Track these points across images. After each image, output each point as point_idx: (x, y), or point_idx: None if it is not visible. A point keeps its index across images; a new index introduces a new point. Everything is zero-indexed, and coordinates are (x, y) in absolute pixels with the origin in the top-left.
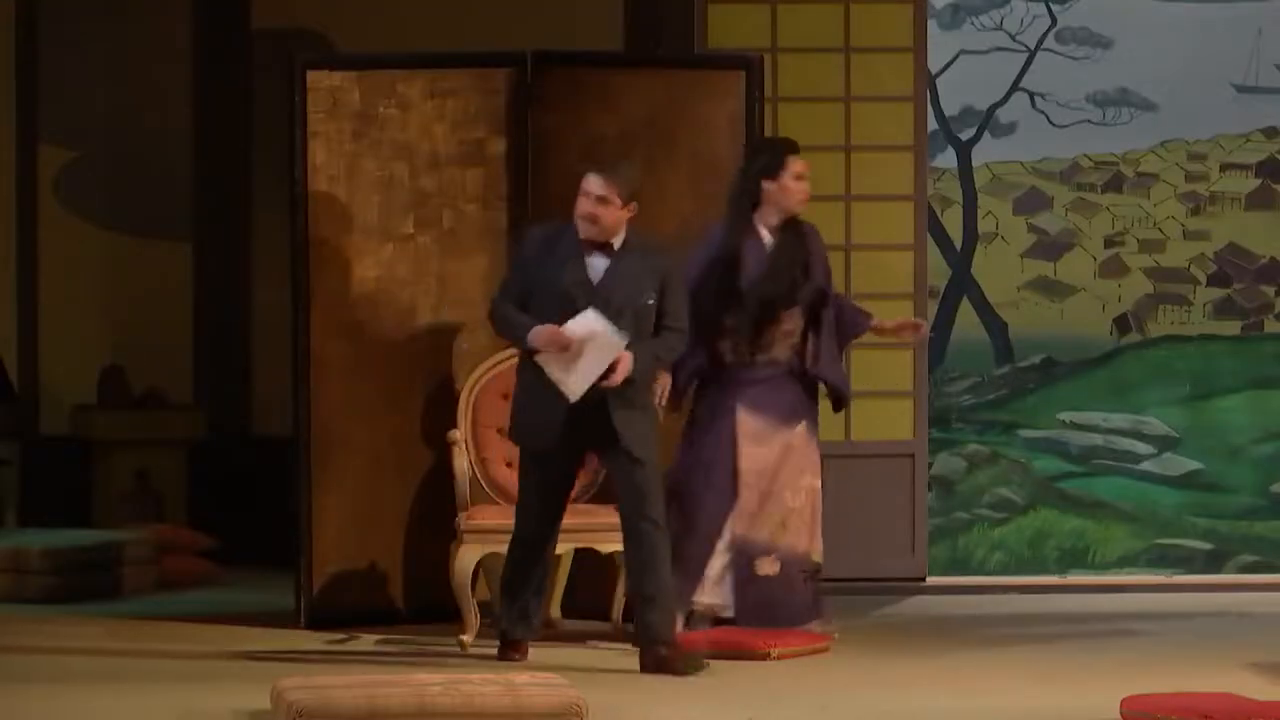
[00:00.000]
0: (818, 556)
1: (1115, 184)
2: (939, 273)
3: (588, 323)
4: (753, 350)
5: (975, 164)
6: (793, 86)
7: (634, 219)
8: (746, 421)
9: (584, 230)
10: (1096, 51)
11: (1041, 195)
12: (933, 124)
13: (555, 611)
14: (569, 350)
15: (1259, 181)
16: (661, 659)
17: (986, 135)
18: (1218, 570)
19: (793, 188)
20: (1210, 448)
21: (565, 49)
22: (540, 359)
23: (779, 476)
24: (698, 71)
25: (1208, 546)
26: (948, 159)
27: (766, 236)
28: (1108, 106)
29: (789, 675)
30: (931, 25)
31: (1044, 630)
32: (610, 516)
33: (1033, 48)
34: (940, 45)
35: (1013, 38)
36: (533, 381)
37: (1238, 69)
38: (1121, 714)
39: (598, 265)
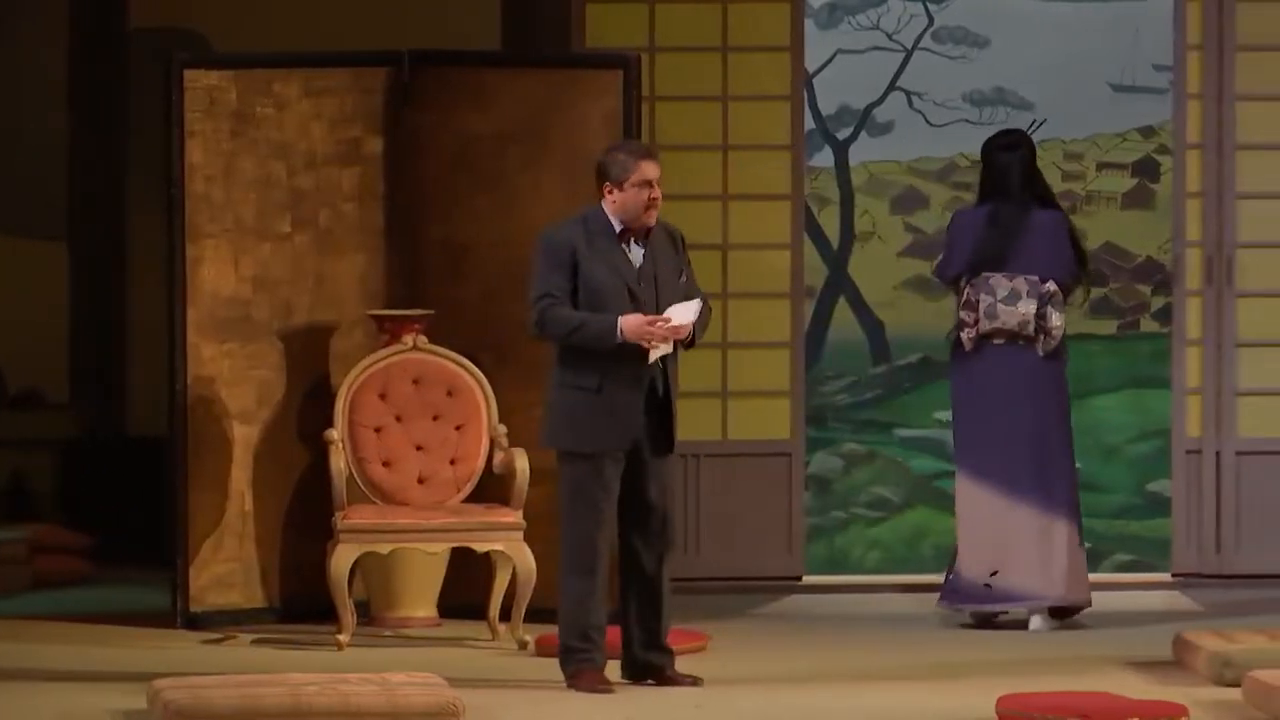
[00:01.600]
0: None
1: None
2: (816, 272)
3: (685, 311)
4: None
5: (852, 163)
6: (670, 85)
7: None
8: None
9: (648, 219)
10: (973, 51)
11: (918, 194)
12: (810, 123)
13: (431, 611)
14: (680, 332)
15: (1135, 181)
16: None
17: (863, 134)
18: (1094, 569)
19: None
20: (1086, 447)
21: (442, 48)
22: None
23: None
24: (575, 71)
25: (1085, 546)
26: (825, 158)
27: None
28: (985, 106)
29: None
30: (809, 25)
31: (920, 629)
32: (486, 515)
33: (910, 47)
34: (817, 45)
35: (890, 37)
36: (599, 379)
37: (1115, 69)
38: (997, 713)
39: (636, 252)
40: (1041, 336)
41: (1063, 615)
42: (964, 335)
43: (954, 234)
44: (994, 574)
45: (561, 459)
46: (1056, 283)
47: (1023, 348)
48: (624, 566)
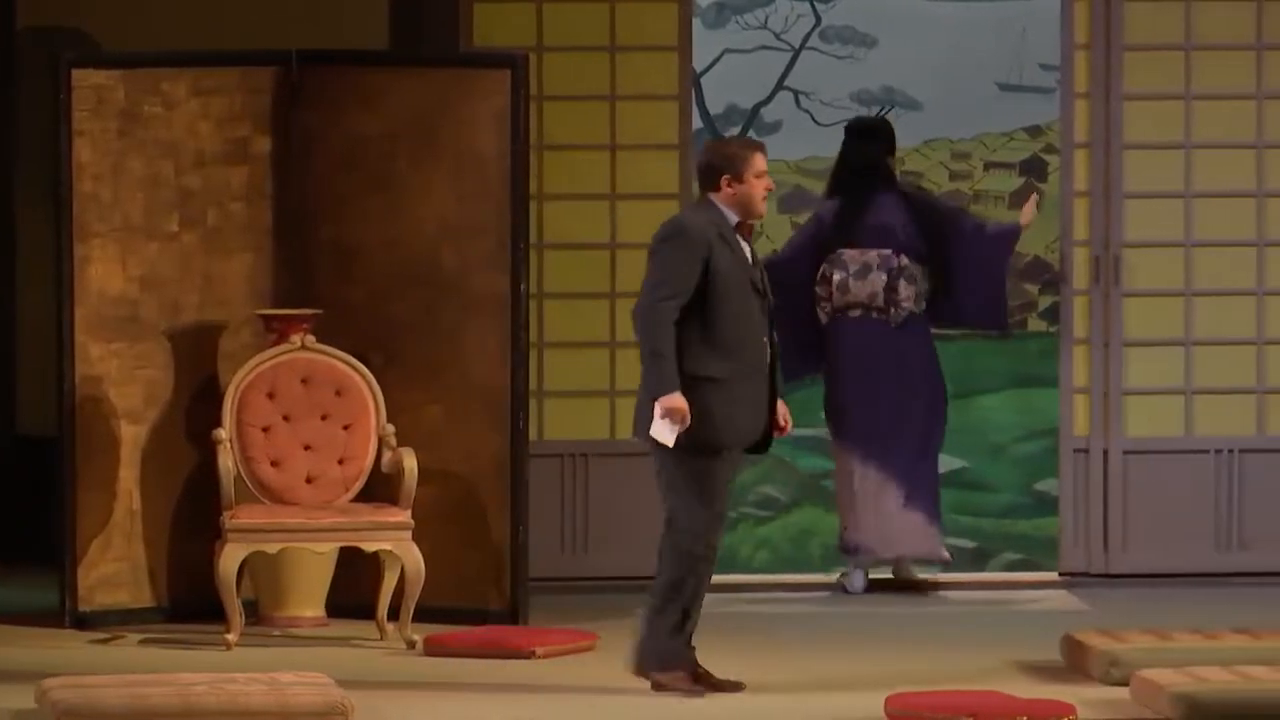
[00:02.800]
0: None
1: None
2: None
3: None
4: None
5: None
6: (558, 85)
7: None
8: None
9: (762, 210)
10: (861, 51)
11: (806, 194)
12: (698, 123)
13: (319, 611)
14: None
15: (1022, 180)
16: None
17: (751, 134)
18: (981, 568)
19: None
20: (974, 446)
21: (330, 48)
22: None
23: None
24: (463, 70)
25: (971, 544)
26: None
27: None
28: (872, 105)
29: (554, 674)
30: (696, 24)
31: (808, 628)
32: (374, 515)
33: (797, 47)
34: (705, 44)
35: (777, 36)
36: (731, 379)
37: (1002, 68)
38: (886, 713)
39: (744, 245)
40: (891, 309)
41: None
42: (820, 311)
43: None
44: (845, 529)
45: (680, 454)
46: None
47: (876, 319)
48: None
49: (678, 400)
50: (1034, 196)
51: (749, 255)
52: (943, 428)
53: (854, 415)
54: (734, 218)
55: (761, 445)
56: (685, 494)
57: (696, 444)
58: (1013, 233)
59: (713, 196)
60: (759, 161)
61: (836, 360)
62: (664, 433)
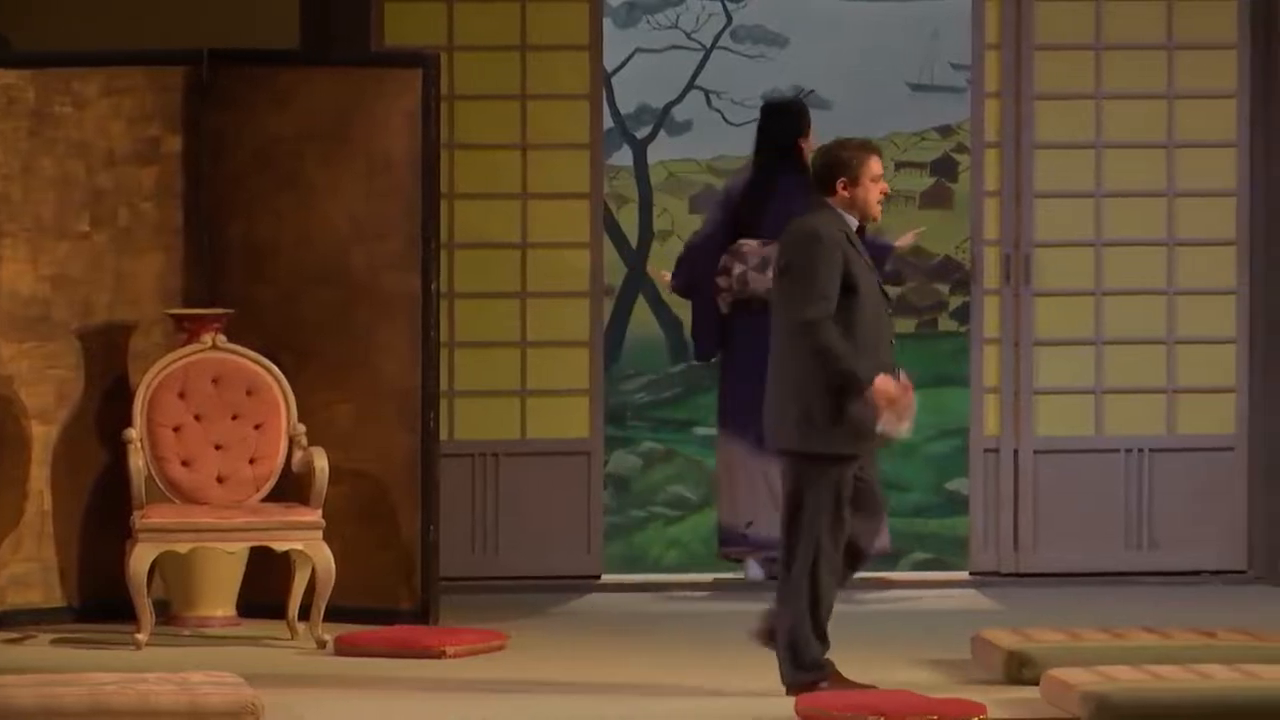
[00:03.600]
0: None
1: None
2: (615, 270)
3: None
4: None
5: (651, 162)
6: (469, 84)
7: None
8: None
9: (878, 213)
10: (772, 50)
11: (717, 193)
12: (609, 122)
13: (230, 610)
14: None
15: (934, 180)
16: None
17: (662, 133)
18: (892, 567)
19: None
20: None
21: (241, 48)
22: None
23: None
24: (374, 70)
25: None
26: (624, 157)
27: None
28: None
29: (465, 673)
30: (607, 24)
31: (720, 627)
32: (285, 514)
33: (708, 46)
34: (616, 44)
35: (688, 36)
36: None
37: (913, 68)
38: (797, 711)
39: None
40: None
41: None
42: (720, 301)
43: (714, 205)
44: (749, 524)
45: (820, 461)
46: None
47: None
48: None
49: (888, 384)
50: (918, 231)
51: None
52: None
53: (756, 409)
54: (853, 222)
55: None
56: (822, 498)
57: (838, 448)
58: (885, 248)
59: (829, 200)
60: (875, 165)
61: (735, 352)
62: (894, 423)
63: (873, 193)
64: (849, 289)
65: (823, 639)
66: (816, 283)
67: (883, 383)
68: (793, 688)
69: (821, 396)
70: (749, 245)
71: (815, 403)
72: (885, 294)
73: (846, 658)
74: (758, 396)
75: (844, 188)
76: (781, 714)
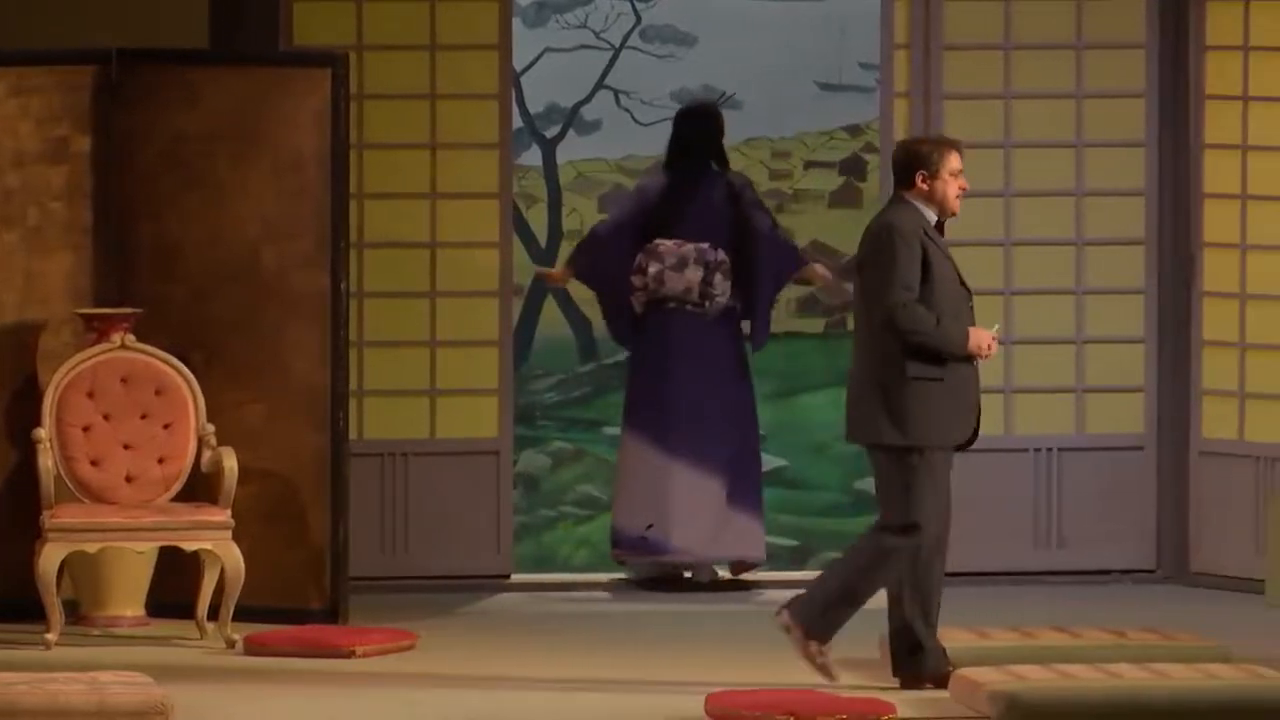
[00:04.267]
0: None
1: None
2: (524, 270)
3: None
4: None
5: (560, 161)
6: (378, 83)
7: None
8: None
9: (957, 208)
10: (681, 50)
11: (626, 193)
12: (518, 121)
13: (139, 610)
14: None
15: (843, 179)
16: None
17: (571, 133)
18: (802, 566)
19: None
20: (795, 444)
21: (150, 47)
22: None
23: None
24: (283, 69)
25: (793, 543)
26: (533, 157)
27: None
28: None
29: (375, 672)
30: (517, 23)
31: (630, 627)
32: (194, 514)
33: (617, 46)
34: (526, 43)
35: (597, 35)
36: (950, 376)
37: (822, 67)
38: (707, 711)
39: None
40: (706, 302)
41: (733, 570)
42: (635, 300)
43: (627, 197)
44: (649, 527)
45: (910, 454)
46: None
47: (690, 312)
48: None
49: (980, 335)
50: (832, 274)
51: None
52: (758, 424)
53: (666, 409)
54: (932, 216)
55: (972, 439)
56: (915, 493)
57: (920, 441)
58: (798, 259)
59: (907, 194)
60: (954, 160)
61: (649, 351)
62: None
63: (951, 187)
64: (928, 285)
65: (933, 631)
66: (897, 272)
67: (976, 337)
68: (906, 681)
69: (908, 388)
70: (665, 245)
71: (902, 396)
72: (967, 288)
73: (757, 656)
74: (664, 395)
75: (923, 181)
76: (692, 713)
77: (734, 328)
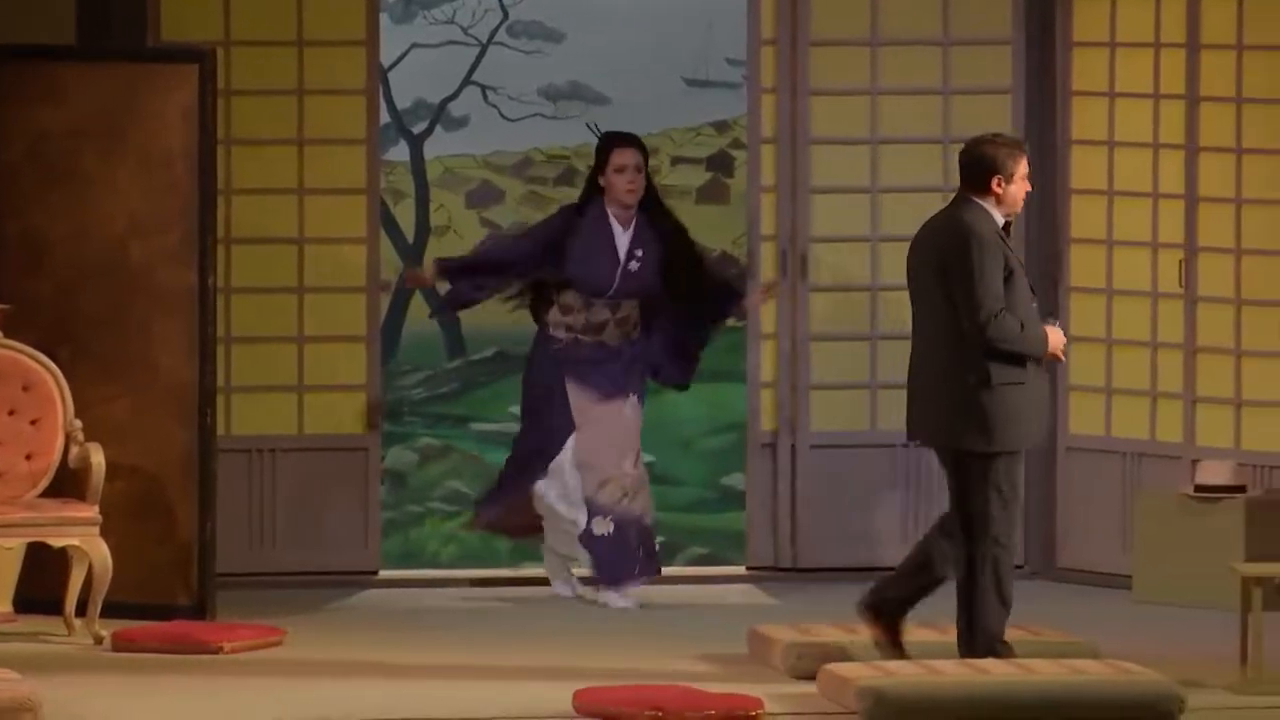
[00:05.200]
0: (649, 519)
1: (567, 178)
2: (392, 266)
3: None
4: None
5: (428, 157)
6: (246, 79)
7: None
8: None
9: (1019, 211)
10: (548, 45)
11: (494, 188)
12: (385, 117)
13: (6, 606)
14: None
15: (710, 175)
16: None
17: (439, 129)
18: (668, 563)
19: (614, 181)
20: (662, 440)
21: (16, 43)
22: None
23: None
24: (150, 65)
25: (659, 539)
26: (400, 152)
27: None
28: (559, 100)
29: (242, 668)
30: (384, 19)
31: (498, 623)
32: (62, 510)
33: (485, 41)
34: (393, 39)
35: (465, 31)
36: (1029, 380)
37: (689, 63)
38: (575, 707)
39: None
40: (621, 336)
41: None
42: (549, 328)
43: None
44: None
45: (992, 458)
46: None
47: (603, 343)
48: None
49: (1057, 333)
50: (769, 291)
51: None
52: None
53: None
54: (1000, 218)
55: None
56: (990, 496)
57: (1006, 446)
58: (736, 300)
59: (975, 197)
60: (1024, 164)
61: (557, 383)
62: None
63: (1022, 190)
64: (1009, 289)
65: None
66: (985, 281)
67: (1054, 337)
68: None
69: (994, 394)
70: (575, 302)
71: (988, 402)
72: (1033, 289)
73: (624, 652)
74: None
75: (998, 185)
76: (560, 708)
77: (640, 350)
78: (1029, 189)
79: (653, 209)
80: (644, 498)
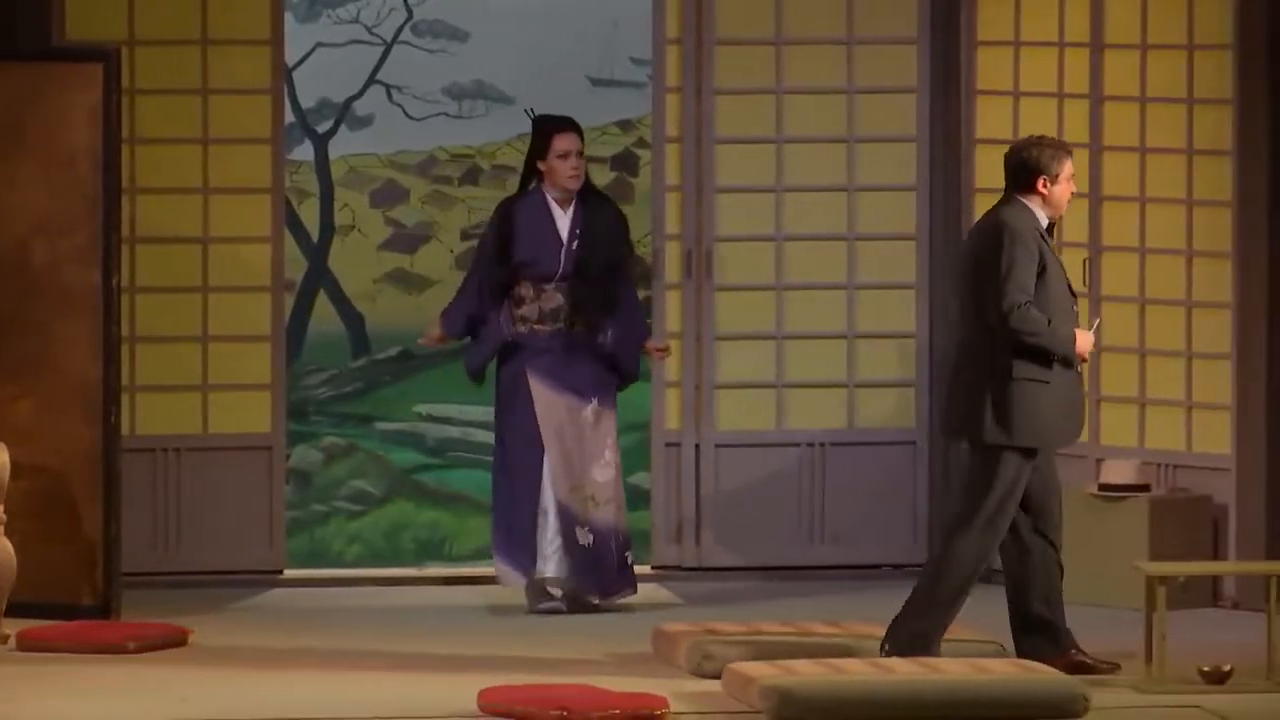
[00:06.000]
0: (625, 528)
1: (472, 177)
2: (296, 265)
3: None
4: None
5: (332, 156)
6: (150, 79)
7: None
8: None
9: (1064, 211)
10: (453, 44)
11: (398, 188)
12: (290, 116)
13: None
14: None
15: (615, 175)
16: (1084, 663)
17: (343, 128)
18: None
19: (557, 166)
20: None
21: None
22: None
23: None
24: (55, 64)
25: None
26: (305, 151)
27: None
28: (464, 99)
29: (148, 667)
30: (289, 18)
31: (403, 622)
32: None
33: (389, 41)
34: (297, 38)
35: (369, 30)
36: (1059, 380)
37: (594, 62)
38: (480, 706)
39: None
40: (575, 324)
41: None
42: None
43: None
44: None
45: (1004, 453)
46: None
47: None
48: (1031, 554)
49: (1085, 336)
50: (664, 349)
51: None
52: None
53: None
54: (1044, 219)
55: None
56: (1000, 492)
57: (1022, 441)
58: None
59: (1021, 197)
60: (1070, 165)
61: (520, 376)
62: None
63: (1067, 191)
64: (1042, 288)
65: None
66: (1014, 274)
67: (1082, 339)
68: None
69: (1014, 389)
70: (527, 293)
71: (1009, 395)
72: (1073, 291)
73: (529, 651)
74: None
75: (1044, 186)
76: (466, 708)
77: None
78: (1074, 190)
79: (590, 193)
80: (616, 510)
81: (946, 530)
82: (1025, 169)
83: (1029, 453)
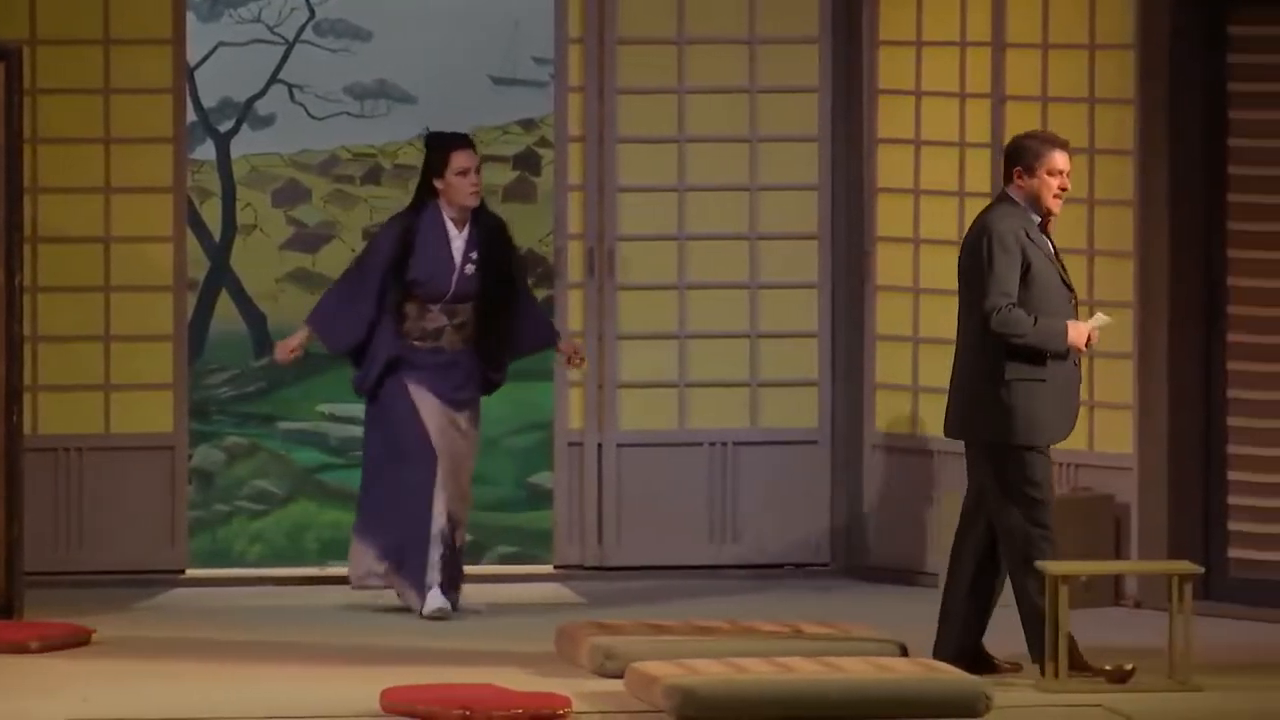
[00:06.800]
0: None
1: (374, 176)
2: (198, 265)
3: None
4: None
5: (234, 156)
6: (52, 78)
7: None
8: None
9: (1055, 207)
10: (355, 44)
11: (300, 187)
12: (192, 116)
13: None
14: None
15: (517, 174)
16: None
17: (245, 127)
18: (476, 561)
19: (456, 183)
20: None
21: None
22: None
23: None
24: None
25: (468, 538)
26: (207, 151)
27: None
28: (366, 99)
29: (50, 667)
30: (190, 17)
31: (305, 622)
32: None
33: (291, 40)
34: (199, 37)
35: (271, 30)
36: (1055, 375)
37: (496, 61)
38: (382, 706)
39: (1048, 242)
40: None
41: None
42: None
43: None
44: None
45: (1011, 452)
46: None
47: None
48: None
49: (1080, 326)
50: (581, 364)
51: (1053, 251)
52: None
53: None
54: (1036, 215)
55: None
56: (1018, 494)
57: (1020, 440)
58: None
59: (1008, 190)
60: (1057, 159)
61: (405, 389)
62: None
63: (1049, 186)
64: (1029, 286)
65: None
66: (993, 277)
67: (1075, 331)
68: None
69: (1009, 389)
70: (411, 310)
71: (1005, 395)
72: (1070, 288)
73: (434, 649)
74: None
75: (1019, 177)
76: (368, 707)
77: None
78: (1064, 187)
79: (481, 209)
80: (464, 518)
81: (1004, 553)
82: (1007, 158)
83: (1037, 448)
